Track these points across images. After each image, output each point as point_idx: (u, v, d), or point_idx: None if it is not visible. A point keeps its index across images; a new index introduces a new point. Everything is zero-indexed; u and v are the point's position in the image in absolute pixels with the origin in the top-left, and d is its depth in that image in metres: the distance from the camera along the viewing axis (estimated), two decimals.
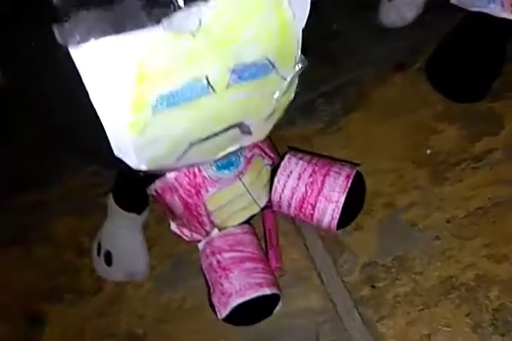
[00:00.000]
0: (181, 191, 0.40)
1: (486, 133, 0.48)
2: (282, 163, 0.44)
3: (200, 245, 0.42)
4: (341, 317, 0.41)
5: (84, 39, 0.22)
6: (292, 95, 0.35)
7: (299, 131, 0.54)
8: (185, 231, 0.45)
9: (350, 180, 0.42)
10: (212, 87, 0.28)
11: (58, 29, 0.22)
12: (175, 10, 0.24)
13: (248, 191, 0.42)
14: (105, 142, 0.27)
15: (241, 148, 0.36)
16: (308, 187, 0.42)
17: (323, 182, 0.42)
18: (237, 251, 0.41)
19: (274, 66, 0.30)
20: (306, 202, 0.42)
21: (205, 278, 0.41)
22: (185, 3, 0.24)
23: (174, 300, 0.46)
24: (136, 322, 0.46)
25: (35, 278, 0.52)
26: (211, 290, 0.40)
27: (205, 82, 0.27)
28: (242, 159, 0.41)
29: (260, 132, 0.36)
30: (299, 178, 0.43)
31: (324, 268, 0.44)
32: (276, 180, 0.43)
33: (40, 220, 0.56)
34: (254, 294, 0.38)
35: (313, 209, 0.42)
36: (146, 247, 0.47)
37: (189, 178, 0.39)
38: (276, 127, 0.38)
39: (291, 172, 0.43)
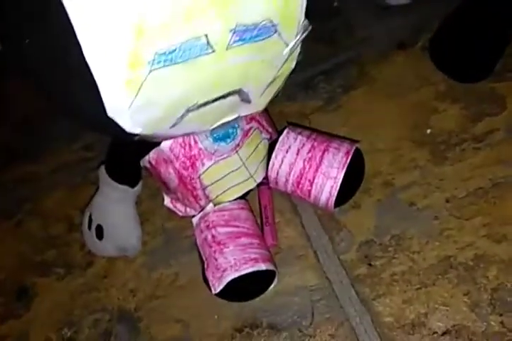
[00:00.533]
0: (176, 163, 0.39)
1: (488, 113, 0.47)
2: (281, 138, 0.43)
3: (195, 219, 0.41)
4: (337, 295, 0.40)
5: None
6: (293, 64, 0.34)
7: (298, 107, 0.53)
8: (179, 206, 0.44)
9: (350, 157, 0.41)
10: (211, 46, 0.26)
11: None
12: None
13: (244, 165, 0.41)
14: (98, 102, 0.25)
15: (239, 118, 0.35)
16: (306, 163, 0.41)
17: (321, 158, 0.41)
18: (232, 226, 0.40)
19: (276, 29, 0.29)
20: (303, 178, 0.41)
21: (199, 253, 0.40)
22: None
23: (166, 275, 0.45)
24: (128, 298, 0.45)
25: (24, 251, 0.51)
26: (205, 265, 0.39)
27: (205, 40, 0.26)
28: (239, 131, 0.40)
29: (259, 101, 0.34)
30: (297, 154, 0.42)
31: (320, 246, 0.43)
32: (274, 155, 0.42)
33: (30, 194, 0.55)
34: (250, 269, 0.37)
35: (311, 185, 0.41)
36: (138, 222, 0.46)
37: (184, 150, 0.38)
38: (275, 102, 0.37)
39: (289, 147, 0.42)
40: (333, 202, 0.41)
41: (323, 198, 0.41)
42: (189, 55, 0.26)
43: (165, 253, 0.46)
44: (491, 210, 0.42)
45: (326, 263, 0.42)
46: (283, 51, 0.31)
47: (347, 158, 0.41)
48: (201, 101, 0.30)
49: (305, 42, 0.32)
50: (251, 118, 0.41)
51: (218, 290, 0.37)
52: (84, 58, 0.23)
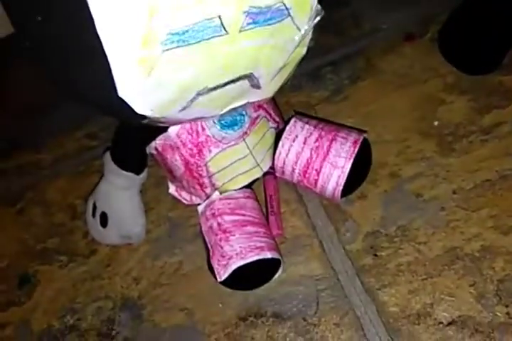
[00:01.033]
0: (183, 150, 0.38)
1: (495, 106, 0.47)
2: (288, 127, 0.42)
3: (200, 207, 0.41)
4: (342, 284, 0.40)
5: None
6: (305, 49, 0.33)
7: (304, 97, 0.52)
8: (184, 194, 0.44)
9: (358, 146, 0.41)
10: (225, 28, 0.26)
11: None
12: None
13: (251, 153, 0.41)
14: (110, 81, 0.25)
15: (247, 105, 0.35)
16: (313, 152, 0.41)
17: (329, 147, 0.41)
18: (238, 214, 0.40)
19: (289, 13, 0.29)
20: (310, 168, 0.41)
21: (204, 241, 0.40)
22: None
23: (170, 264, 0.45)
24: (132, 286, 0.45)
25: (27, 239, 0.51)
26: (210, 253, 0.39)
27: (219, 22, 0.26)
28: (246, 119, 0.39)
29: (269, 88, 0.34)
30: (304, 143, 0.41)
31: (326, 236, 0.43)
32: (280, 144, 0.42)
33: (33, 182, 0.55)
34: (255, 257, 0.37)
35: (318, 174, 0.41)
36: (143, 210, 0.45)
37: (192, 136, 0.38)
38: (282, 92, 0.36)
39: (296, 136, 0.42)
40: (339, 192, 0.41)
41: (329, 188, 0.41)
42: (202, 36, 0.26)
43: (169, 242, 0.46)
44: (498, 202, 0.41)
45: (331, 253, 0.42)
46: (295, 36, 0.31)
47: (355, 148, 0.40)
48: (212, 85, 0.29)
49: (314, 32, 0.32)
50: (258, 106, 0.41)
51: (223, 278, 0.37)
52: (97, 36, 0.23)
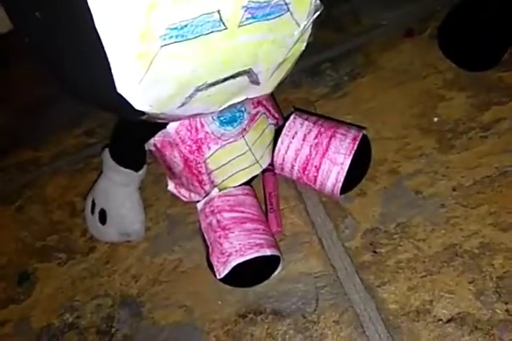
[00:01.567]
0: (182, 146, 0.38)
1: (495, 102, 0.47)
2: (287, 124, 0.42)
3: (200, 204, 0.41)
4: (342, 282, 0.40)
5: None
6: (304, 45, 0.33)
7: (304, 94, 0.52)
8: (183, 191, 0.44)
9: (357, 143, 0.41)
10: (224, 23, 0.26)
11: None
12: None
13: (251, 150, 0.41)
14: (109, 77, 0.25)
15: (246, 101, 0.35)
16: (312, 149, 0.41)
17: (328, 143, 0.41)
18: (237, 211, 0.40)
19: (288, 8, 0.29)
20: (310, 164, 0.41)
21: (203, 238, 0.40)
22: None
23: (169, 261, 0.45)
24: (131, 283, 0.44)
25: (25, 237, 0.51)
26: (210, 250, 0.38)
27: (217, 17, 0.25)
28: (246, 116, 0.39)
29: (268, 84, 0.34)
30: (303, 139, 0.41)
31: (325, 233, 0.43)
32: (280, 140, 0.42)
33: (31, 180, 0.55)
34: (255, 254, 0.37)
35: (317, 171, 0.41)
36: (142, 207, 0.45)
37: (191, 133, 0.38)
38: (281, 89, 0.36)
39: (295, 133, 0.42)
40: (339, 189, 0.41)
41: (329, 184, 0.41)
42: (201, 31, 0.25)
43: (168, 239, 0.46)
44: (498, 199, 0.41)
45: (330, 250, 0.42)
46: (294, 31, 0.31)
47: (354, 144, 0.40)
48: (211, 81, 0.29)
49: (314, 27, 0.32)
50: (258, 102, 0.41)
51: (223, 275, 0.37)
52: (96, 32, 0.22)
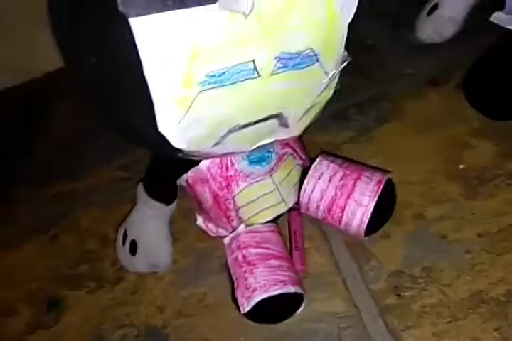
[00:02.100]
0: (212, 183, 0.40)
1: None
2: (313, 165, 0.44)
3: (226, 239, 0.42)
4: (365, 323, 0.40)
5: (145, 11, 0.23)
6: (331, 92, 0.35)
7: (330, 138, 0.54)
8: (211, 226, 0.46)
9: (382, 186, 0.42)
10: (257, 71, 0.28)
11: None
12: None
13: (278, 189, 0.42)
14: (151, 118, 0.27)
15: (275, 143, 0.37)
16: (338, 190, 0.42)
17: (353, 185, 0.42)
18: (263, 248, 0.41)
19: (318, 58, 0.31)
20: (335, 205, 0.42)
21: (229, 273, 0.41)
22: None
23: (195, 294, 0.45)
24: (156, 314, 0.45)
25: (57, 265, 0.52)
26: (235, 285, 0.39)
27: (252, 65, 0.28)
28: (274, 156, 0.41)
29: (296, 127, 0.36)
30: (329, 181, 0.43)
31: (349, 275, 0.43)
32: (306, 181, 0.43)
33: (67, 210, 0.57)
34: (279, 291, 0.38)
35: (342, 212, 0.42)
36: (171, 239, 0.47)
37: (221, 170, 0.40)
38: (308, 132, 0.38)
39: (321, 174, 0.43)
40: (363, 230, 0.41)
41: (353, 225, 0.42)
42: (236, 78, 0.28)
43: (194, 273, 0.47)
44: None
45: (354, 292, 0.42)
46: (322, 79, 0.33)
47: (379, 187, 0.41)
48: (243, 123, 0.31)
49: (341, 75, 0.34)
50: (286, 143, 0.43)
51: (247, 309, 0.38)
52: (144, 78, 0.25)
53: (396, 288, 0.41)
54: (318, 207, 0.43)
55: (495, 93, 0.50)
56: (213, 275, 0.46)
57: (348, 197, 0.42)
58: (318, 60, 0.31)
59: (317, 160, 0.44)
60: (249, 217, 0.43)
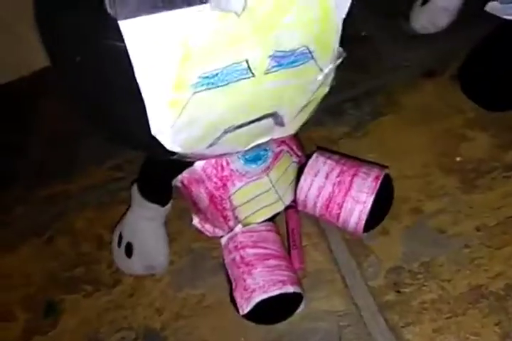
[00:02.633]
0: (208, 183, 0.39)
1: None
2: (310, 162, 0.43)
3: (223, 240, 0.42)
4: (365, 321, 0.40)
5: (135, 13, 0.22)
6: (327, 89, 0.35)
7: (326, 133, 0.53)
8: (208, 226, 0.45)
9: (379, 182, 0.41)
10: (251, 71, 0.28)
11: (110, 1, 0.22)
12: None
13: (274, 187, 0.42)
14: (143, 120, 0.26)
15: (271, 141, 0.36)
16: (335, 187, 0.42)
17: (351, 182, 0.41)
18: (260, 247, 0.40)
19: (312, 56, 0.30)
20: (332, 202, 0.42)
21: (227, 274, 0.40)
22: None
23: (193, 295, 0.45)
24: (154, 317, 0.45)
25: (53, 268, 0.52)
26: (233, 286, 0.39)
27: (246, 65, 0.27)
28: (270, 154, 0.41)
29: (292, 125, 0.35)
30: (326, 177, 0.42)
31: (348, 272, 0.43)
32: (302, 178, 0.43)
33: (61, 212, 0.57)
34: (278, 291, 0.37)
35: (340, 209, 0.41)
36: (167, 241, 0.46)
37: (217, 170, 0.39)
38: (304, 128, 0.37)
39: (318, 171, 0.43)
40: (362, 227, 0.41)
41: (352, 222, 0.41)
42: (230, 79, 0.27)
43: (191, 274, 0.47)
44: None
45: (353, 289, 0.42)
46: (318, 76, 0.32)
47: (376, 183, 0.41)
48: (238, 123, 0.31)
49: (336, 69, 0.33)
50: (281, 141, 0.42)
51: (246, 311, 0.37)
52: (135, 80, 0.24)
53: (395, 284, 0.41)
54: (315, 204, 0.43)
55: (490, 84, 0.49)
56: (211, 275, 0.46)
57: (346, 194, 0.41)
58: (312, 57, 0.30)
59: (313, 157, 0.44)
60: (246, 217, 0.42)
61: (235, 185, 0.40)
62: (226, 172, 0.39)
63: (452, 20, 0.56)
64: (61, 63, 0.29)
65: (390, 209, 0.44)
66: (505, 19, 0.49)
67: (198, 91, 0.26)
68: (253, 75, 0.28)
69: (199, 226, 0.46)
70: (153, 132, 0.27)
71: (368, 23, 0.64)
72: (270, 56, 0.28)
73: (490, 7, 0.50)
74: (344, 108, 0.56)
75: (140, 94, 0.25)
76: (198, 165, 0.39)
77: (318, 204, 0.42)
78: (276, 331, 0.41)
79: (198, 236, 0.47)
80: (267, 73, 0.29)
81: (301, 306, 0.40)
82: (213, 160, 0.39)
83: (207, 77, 0.26)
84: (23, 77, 0.77)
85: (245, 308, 0.37)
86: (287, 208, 0.45)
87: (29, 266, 0.53)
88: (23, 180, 0.63)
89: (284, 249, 0.43)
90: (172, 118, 0.26)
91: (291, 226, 0.45)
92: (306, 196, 0.43)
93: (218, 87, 0.27)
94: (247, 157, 0.39)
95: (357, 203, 0.41)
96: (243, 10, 0.25)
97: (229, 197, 0.40)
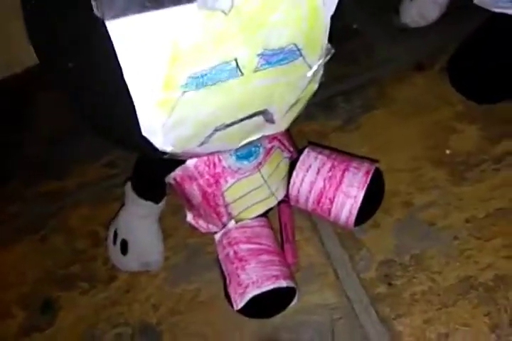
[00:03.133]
0: (200, 180, 0.40)
1: (507, 134, 0.47)
2: (301, 157, 0.44)
3: (217, 236, 0.42)
4: (357, 314, 0.41)
5: (122, 13, 0.22)
6: (316, 85, 0.35)
7: (318, 127, 0.54)
8: (201, 222, 0.45)
9: (370, 176, 0.42)
10: (240, 70, 0.28)
11: (97, 1, 0.22)
12: None
13: (266, 183, 0.42)
14: (133, 121, 0.27)
15: (262, 138, 0.36)
16: (326, 182, 0.42)
17: (342, 177, 0.42)
18: (254, 243, 0.41)
19: (301, 53, 0.30)
20: (324, 197, 0.42)
21: (221, 270, 0.41)
22: None
23: (188, 291, 0.46)
24: (150, 312, 0.45)
25: (49, 266, 0.52)
26: (227, 281, 0.40)
27: (234, 64, 0.27)
28: (261, 150, 0.41)
29: (282, 122, 0.36)
30: (317, 172, 0.43)
31: (340, 265, 0.44)
32: (294, 173, 0.43)
33: (56, 209, 0.57)
34: (271, 286, 0.38)
35: (331, 203, 0.42)
36: (161, 237, 0.47)
37: (209, 167, 0.39)
38: (296, 122, 0.38)
39: (309, 166, 0.43)
40: (353, 221, 0.42)
41: (343, 217, 0.42)
42: (219, 78, 0.27)
43: (187, 269, 0.47)
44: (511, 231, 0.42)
45: (345, 282, 0.43)
46: (307, 73, 0.32)
47: (367, 178, 0.42)
48: (228, 122, 0.31)
49: (326, 64, 0.34)
50: (273, 137, 0.43)
51: (240, 306, 0.38)
52: (124, 81, 0.24)
53: (387, 276, 0.42)
54: (307, 199, 0.43)
55: (479, 76, 0.50)
56: (206, 271, 0.46)
57: (337, 189, 0.42)
58: (301, 55, 0.31)
59: (305, 152, 0.44)
60: (239, 213, 0.42)
61: (228, 181, 0.40)
62: (218, 169, 0.40)
63: (442, 13, 0.56)
64: (51, 67, 0.29)
65: (380, 203, 0.45)
66: (494, 12, 0.49)
67: (188, 91, 0.26)
68: (242, 74, 0.28)
69: (193, 222, 0.46)
70: (143, 132, 0.27)
71: (358, 16, 0.64)
72: (259, 54, 0.28)
73: (479, 0, 0.50)
74: (335, 102, 0.56)
75: (130, 95, 0.25)
76: (191, 162, 0.39)
77: (310, 199, 0.43)
78: (271, 325, 0.42)
79: (193, 232, 0.48)
80: (256, 71, 0.29)
81: (295, 300, 0.41)
82: (205, 158, 0.39)
83: (196, 77, 0.26)
84: (15, 73, 0.77)
85: (239, 303, 0.38)
86: (280, 203, 0.46)
87: (25, 264, 0.53)
88: (18, 178, 0.63)
89: (277, 243, 0.44)
90: (162, 119, 0.27)
91: (284, 220, 0.46)
92: (298, 191, 0.43)
93: (208, 86, 0.27)
94: (238, 154, 0.40)
95: (348, 198, 0.41)
96: (231, 8, 0.25)
97: (222, 193, 0.41)
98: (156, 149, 0.29)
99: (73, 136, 0.64)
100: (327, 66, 0.34)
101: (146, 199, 0.43)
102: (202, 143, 0.31)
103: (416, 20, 0.57)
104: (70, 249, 0.53)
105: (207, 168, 0.39)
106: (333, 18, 0.30)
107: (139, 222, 0.45)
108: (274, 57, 0.29)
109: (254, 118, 0.32)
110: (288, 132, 0.48)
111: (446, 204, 0.45)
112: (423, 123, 0.51)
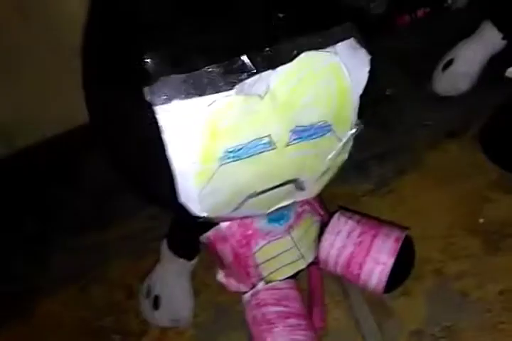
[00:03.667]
0: (233, 241, 0.42)
1: None
2: (331, 222, 0.45)
3: (246, 296, 0.43)
4: None
5: (170, 99, 0.26)
6: (346, 155, 0.37)
7: (350, 189, 0.55)
8: (232, 281, 0.46)
9: (400, 243, 0.42)
10: (273, 144, 0.30)
11: (149, 90, 0.25)
12: (248, 76, 0.27)
13: (296, 246, 0.43)
14: (172, 189, 0.29)
15: (293, 203, 0.38)
16: (356, 247, 0.43)
17: (371, 243, 0.43)
18: (282, 305, 0.41)
19: (330, 128, 0.33)
20: (353, 262, 0.43)
21: (248, 330, 0.41)
22: (256, 70, 0.27)
23: None
24: None
25: (86, 316, 0.53)
26: None
27: (268, 140, 0.30)
28: (292, 214, 0.43)
29: (313, 189, 0.37)
30: (347, 237, 0.43)
31: (369, 332, 0.43)
32: (324, 238, 0.44)
33: (98, 260, 0.59)
34: None
35: (361, 269, 0.42)
36: (192, 294, 0.48)
37: (241, 229, 0.41)
38: (328, 184, 0.39)
39: (339, 231, 0.44)
40: (382, 288, 0.42)
41: (372, 283, 0.42)
42: (253, 152, 0.30)
43: (215, 328, 0.48)
44: None
45: None
46: (336, 146, 0.35)
47: (397, 245, 0.42)
48: (260, 190, 0.33)
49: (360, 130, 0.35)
50: (304, 201, 0.44)
51: None
52: (166, 156, 0.27)
53: None
54: (336, 263, 0.44)
55: (511, 146, 0.50)
56: (234, 330, 0.46)
57: (366, 255, 0.42)
58: (331, 130, 0.33)
59: (335, 216, 0.45)
60: (269, 274, 0.43)
61: (258, 243, 0.42)
62: (250, 231, 0.41)
63: (473, 85, 0.58)
64: (103, 138, 0.33)
65: (411, 271, 0.45)
66: None
67: (224, 164, 0.29)
68: (275, 148, 0.30)
69: (224, 280, 0.47)
70: (181, 200, 0.29)
71: (392, 82, 0.66)
72: (291, 130, 0.31)
73: (510, 72, 0.52)
74: (368, 165, 0.57)
75: (170, 167, 0.28)
76: (224, 224, 0.41)
77: (339, 264, 0.43)
78: None
79: (223, 290, 0.48)
80: (288, 145, 0.31)
81: None
82: (238, 220, 0.41)
83: (232, 151, 0.29)
84: (68, 130, 0.82)
85: None
86: (310, 265, 0.46)
87: (63, 311, 0.55)
88: (65, 229, 0.66)
89: (305, 306, 0.44)
90: (199, 188, 0.29)
91: (313, 283, 0.46)
92: (327, 255, 0.44)
93: (242, 159, 0.29)
94: (270, 216, 0.41)
95: (377, 264, 0.42)
96: (266, 93, 0.28)
97: (252, 254, 0.42)
98: (192, 214, 0.31)
99: (117, 190, 0.67)
100: (360, 130, 0.35)
101: (180, 256, 0.45)
102: (235, 209, 0.33)
103: (448, 90, 0.59)
104: (106, 300, 0.54)
105: (239, 230, 0.41)
106: (361, 98, 0.33)
107: (172, 279, 0.46)
108: (306, 133, 0.32)
109: (286, 186, 0.34)
110: (319, 196, 0.50)
111: (480, 274, 0.44)
112: (456, 191, 0.51)
